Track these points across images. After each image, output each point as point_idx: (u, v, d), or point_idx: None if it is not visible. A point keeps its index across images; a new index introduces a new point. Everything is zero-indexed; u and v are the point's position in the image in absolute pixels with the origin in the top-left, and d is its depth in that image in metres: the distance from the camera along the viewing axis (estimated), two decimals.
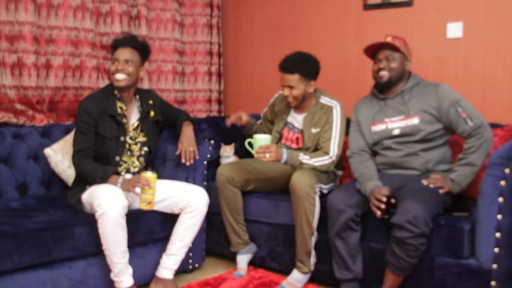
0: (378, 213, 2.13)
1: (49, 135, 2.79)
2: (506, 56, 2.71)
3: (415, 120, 2.29)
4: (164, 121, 2.66)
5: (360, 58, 3.26)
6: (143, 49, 2.46)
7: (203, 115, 3.85)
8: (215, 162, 2.91)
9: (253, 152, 2.45)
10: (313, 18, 3.46)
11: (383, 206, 2.11)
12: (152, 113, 2.53)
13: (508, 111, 2.69)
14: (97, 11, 3.22)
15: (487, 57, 2.77)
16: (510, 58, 2.70)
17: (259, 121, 2.94)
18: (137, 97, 2.51)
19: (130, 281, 2.21)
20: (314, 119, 2.60)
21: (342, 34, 3.32)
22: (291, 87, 2.53)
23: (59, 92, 3.01)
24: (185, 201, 2.34)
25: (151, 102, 2.56)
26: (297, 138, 2.66)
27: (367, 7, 3.18)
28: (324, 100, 2.62)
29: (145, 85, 3.48)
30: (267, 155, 2.35)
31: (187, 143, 2.54)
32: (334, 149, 2.51)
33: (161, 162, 2.75)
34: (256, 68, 3.81)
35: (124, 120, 2.42)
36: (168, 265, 2.38)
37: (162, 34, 3.59)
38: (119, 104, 2.42)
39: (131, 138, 2.45)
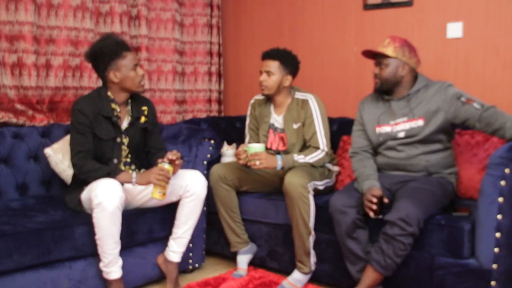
0: (371, 214, 2.14)
1: (49, 135, 2.79)
2: (506, 56, 2.71)
3: (419, 122, 2.27)
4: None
5: (360, 58, 3.25)
6: None
7: (203, 115, 3.85)
8: (216, 162, 2.90)
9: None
10: (313, 18, 3.46)
11: (374, 206, 2.12)
12: (142, 119, 2.48)
13: (508, 111, 2.65)
14: (97, 11, 3.22)
15: (487, 57, 2.77)
16: (510, 58, 2.70)
17: (247, 138, 2.87)
18: (129, 101, 2.47)
19: (119, 272, 2.21)
20: (293, 115, 2.65)
21: (342, 34, 3.32)
22: (268, 73, 2.62)
23: (59, 92, 3.01)
24: (183, 187, 2.36)
25: (145, 108, 2.50)
26: (281, 138, 2.70)
27: (367, 7, 3.18)
28: (299, 95, 2.69)
29: (144, 85, 3.47)
30: (257, 162, 2.44)
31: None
32: (323, 141, 2.57)
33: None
34: (256, 68, 3.79)
35: (119, 122, 2.39)
36: (175, 248, 2.42)
37: (162, 34, 3.59)
38: (113, 105, 2.38)
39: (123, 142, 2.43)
